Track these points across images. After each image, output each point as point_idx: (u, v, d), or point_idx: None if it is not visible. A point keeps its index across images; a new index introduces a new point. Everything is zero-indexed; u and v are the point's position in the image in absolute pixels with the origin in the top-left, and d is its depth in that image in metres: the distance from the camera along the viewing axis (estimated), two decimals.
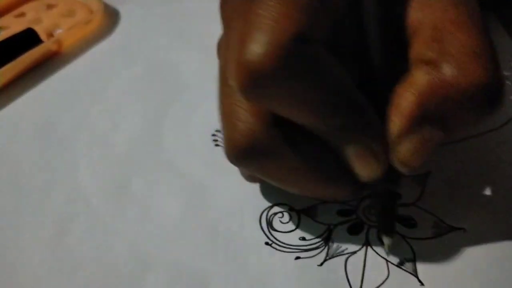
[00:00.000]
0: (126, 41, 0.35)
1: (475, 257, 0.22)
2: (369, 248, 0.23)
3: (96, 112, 0.30)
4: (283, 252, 0.23)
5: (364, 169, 0.20)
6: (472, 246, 0.23)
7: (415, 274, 0.22)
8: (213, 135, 0.28)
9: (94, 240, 0.24)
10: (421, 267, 0.22)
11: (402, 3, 0.20)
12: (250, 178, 0.25)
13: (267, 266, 0.23)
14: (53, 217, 0.25)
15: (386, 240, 0.22)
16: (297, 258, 0.23)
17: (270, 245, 0.23)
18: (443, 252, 0.23)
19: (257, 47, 0.17)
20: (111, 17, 0.37)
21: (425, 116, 0.19)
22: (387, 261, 0.23)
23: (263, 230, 0.24)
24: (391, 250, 0.22)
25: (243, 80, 0.17)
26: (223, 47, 0.23)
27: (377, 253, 0.23)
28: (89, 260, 0.23)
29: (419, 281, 0.22)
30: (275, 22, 0.17)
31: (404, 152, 0.19)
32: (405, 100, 0.19)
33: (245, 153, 0.20)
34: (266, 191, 0.25)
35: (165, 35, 0.36)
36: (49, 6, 0.37)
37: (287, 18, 0.17)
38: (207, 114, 0.30)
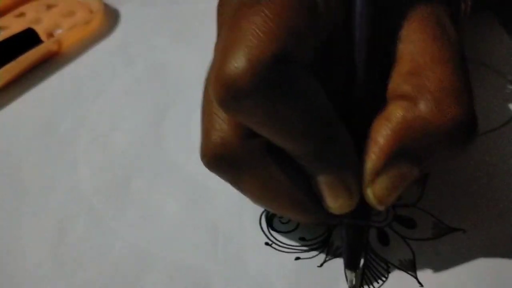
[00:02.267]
0: (126, 41, 0.35)
1: (475, 258, 0.22)
2: (369, 247, 0.23)
3: (96, 112, 0.30)
4: (283, 253, 0.23)
5: (334, 201, 0.19)
6: (471, 247, 0.23)
7: (414, 275, 0.22)
8: None
9: (94, 240, 0.24)
10: (420, 268, 0.22)
11: (389, 35, 0.20)
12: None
13: (267, 267, 0.23)
14: (53, 217, 0.25)
15: (348, 275, 0.22)
16: (297, 258, 0.23)
17: (270, 245, 0.23)
18: (442, 253, 0.23)
19: (237, 62, 0.17)
20: (111, 17, 0.37)
21: (402, 152, 0.19)
22: (386, 261, 0.23)
23: (263, 230, 0.24)
24: (353, 286, 0.22)
25: (220, 92, 0.17)
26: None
27: (377, 253, 0.23)
28: (89, 260, 0.23)
29: (419, 282, 0.22)
30: (258, 39, 0.17)
31: (380, 188, 0.19)
32: (381, 136, 0.19)
33: (215, 162, 0.20)
34: None
35: (165, 35, 0.36)
36: (49, 6, 0.37)
37: (271, 36, 0.17)
38: None
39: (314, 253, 0.23)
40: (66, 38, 0.34)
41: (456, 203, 0.24)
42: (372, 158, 0.19)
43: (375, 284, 0.22)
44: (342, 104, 0.19)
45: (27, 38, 0.33)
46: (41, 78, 0.32)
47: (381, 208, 0.20)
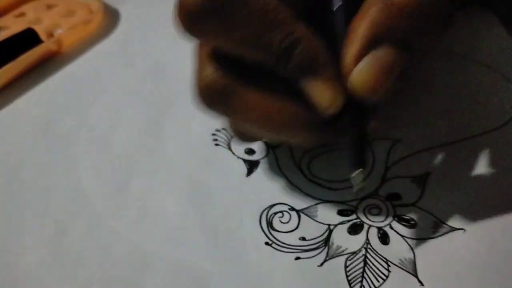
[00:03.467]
0: (126, 41, 0.35)
1: (475, 258, 0.22)
2: (369, 248, 0.23)
3: (96, 112, 0.30)
4: (283, 252, 0.23)
5: (321, 98, 0.20)
6: (471, 246, 0.23)
7: (415, 274, 0.22)
8: (213, 134, 0.28)
9: (94, 240, 0.24)
10: (421, 267, 0.22)
11: None
12: (241, 136, 0.25)
13: (267, 266, 0.23)
14: (53, 217, 0.25)
15: (356, 176, 0.21)
16: (297, 258, 0.23)
17: (270, 245, 0.23)
18: (443, 253, 0.23)
19: None
20: (111, 17, 0.37)
21: (380, 38, 0.19)
22: (387, 261, 0.23)
23: (263, 230, 0.24)
24: (360, 188, 0.21)
25: (182, 19, 0.20)
26: None
27: (377, 253, 0.23)
28: (89, 260, 0.23)
29: (419, 281, 0.22)
30: None
31: (363, 72, 0.19)
32: (360, 27, 0.19)
33: (208, 101, 0.22)
34: (267, 191, 0.25)
35: (165, 35, 0.36)
36: (49, 6, 0.37)
37: None
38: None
39: (314, 252, 0.23)
40: (66, 38, 0.34)
41: (456, 203, 0.24)
42: (351, 45, 0.20)
43: (376, 283, 0.22)
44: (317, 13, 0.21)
45: (27, 38, 0.33)
46: (41, 78, 0.32)
47: (372, 96, 0.20)
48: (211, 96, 0.22)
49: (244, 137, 0.25)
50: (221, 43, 0.21)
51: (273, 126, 0.22)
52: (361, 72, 0.19)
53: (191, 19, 0.20)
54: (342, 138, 0.22)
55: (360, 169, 0.21)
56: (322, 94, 0.20)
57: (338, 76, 0.20)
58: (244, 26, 0.20)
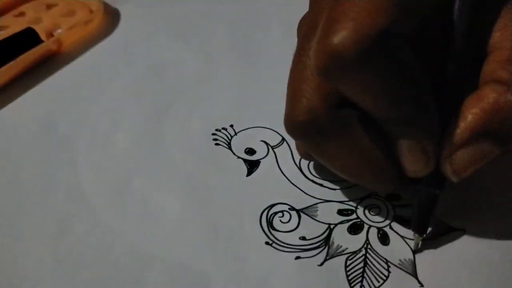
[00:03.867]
0: (126, 41, 0.35)
1: (475, 258, 0.22)
2: (369, 248, 0.23)
3: (96, 112, 0.30)
4: (283, 252, 0.23)
5: (412, 163, 0.21)
6: (471, 247, 0.23)
7: (414, 274, 0.22)
8: (213, 134, 0.28)
9: (94, 240, 0.24)
10: (420, 268, 0.22)
11: (487, 20, 0.21)
12: (305, 156, 0.25)
13: (267, 266, 0.23)
14: (53, 217, 0.25)
15: (415, 239, 0.23)
16: (297, 258, 0.23)
17: (270, 244, 0.23)
18: (443, 253, 0.23)
19: (345, 32, 0.18)
20: (111, 17, 0.37)
21: (487, 132, 0.19)
22: (387, 261, 0.23)
23: (263, 230, 0.24)
24: (418, 249, 0.23)
25: (324, 60, 0.18)
26: (304, 25, 0.24)
27: (377, 253, 0.23)
28: (89, 260, 0.23)
29: (419, 282, 0.22)
30: (367, 12, 0.18)
31: (459, 161, 0.20)
32: (471, 113, 0.20)
33: (303, 128, 0.21)
34: (267, 191, 0.25)
35: (165, 35, 0.36)
36: (49, 6, 0.37)
37: (379, 10, 0.18)
38: (207, 114, 0.30)
39: (314, 252, 0.23)
40: (66, 38, 0.34)
41: (456, 203, 0.24)
42: (457, 132, 0.20)
43: (376, 283, 0.22)
44: (435, 79, 0.20)
45: (27, 38, 0.33)
46: (41, 78, 0.32)
47: (455, 179, 0.21)
48: (307, 131, 0.21)
49: (309, 157, 0.26)
50: (352, 95, 0.20)
51: (353, 176, 0.23)
52: (458, 163, 0.20)
53: (336, 64, 0.18)
54: (413, 196, 0.23)
55: (421, 236, 0.23)
56: (415, 163, 0.21)
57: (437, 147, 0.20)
58: (391, 87, 0.19)
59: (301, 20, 0.25)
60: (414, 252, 0.23)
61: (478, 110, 0.19)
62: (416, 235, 0.23)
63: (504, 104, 0.19)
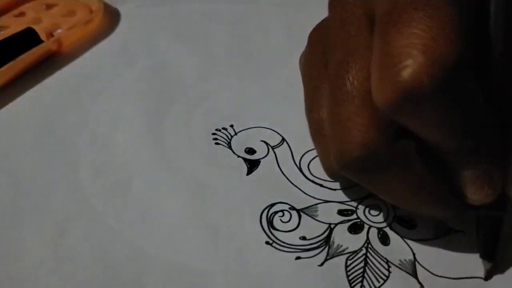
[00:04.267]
0: (126, 41, 0.35)
1: (475, 259, 0.22)
2: (369, 248, 0.23)
3: (96, 112, 0.30)
4: (283, 252, 0.23)
5: (477, 194, 0.20)
6: (471, 248, 0.23)
7: (415, 275, 0.22)
8: (213, 133, 0.28)
9: (94, 240, 0.24)
10: (421, 269, 0.22)
11: None
12: (334, 176, 0.25)
13: (267, 266, 0.23)
14: (53, 217, 0.25)
15: (485, 265, 0.22)
16: (298, 258, 0.23)
17: (271, 244, 0.23)
18: (442, 254, 0.23)
19: (416, 66, 0.17)
20: (111, 17, 0.37)
21: None
22: (387, 261, 0.23)
23: (263, 229, 0.24)
24: (489, 277, 0.22)
25: (395, 97, 0.17)
26: (329, 40, 0.23)
27: (378, 253, 0.23)
28: (89, 260, 0.23)
29: (419, 282, 0.22)
30: (435, 42, 0.17)
31: None
32: None
33: (358, 163, 0.20)
34: (267, 190, 0.25)
35: (165, 35, 0.36)
36: (49, 6, 0.37)
37: (449, 39, 0.17)
38: (207, 114, 0.30)
39: (315, 252, 0.23)
40: (66, 38, 0.34)
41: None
42: None
43: (376, 284, 0.22)
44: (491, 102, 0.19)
45: (27, 38, 0.33)
46: (41, 78, 0.32)
47: None
48: (363, 167, 0.20)
49: (335, 176, 0.25)
50: (418, 129, 0.19)
51: (411, 206, 0.22)
52: None
53: (407, 98, 0.17)
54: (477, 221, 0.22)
55: (491, 263, 0.22)
56: (481, 192, 0.20)
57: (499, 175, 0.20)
58: (460, 120, 0.18)
59: (318, 28, 0.24)
60: (485, 279, 0.22)
61: None
62: (486, 262, 0.22)
63: None
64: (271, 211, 0.25)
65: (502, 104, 0.20)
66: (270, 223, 0.24)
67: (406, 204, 0.22)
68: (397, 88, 0.17)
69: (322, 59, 0.23)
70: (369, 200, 0.25)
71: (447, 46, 0.17)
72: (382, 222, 0.24)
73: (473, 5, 0.19)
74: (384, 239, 0.23)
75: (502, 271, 0.22)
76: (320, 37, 0.24)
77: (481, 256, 0.22)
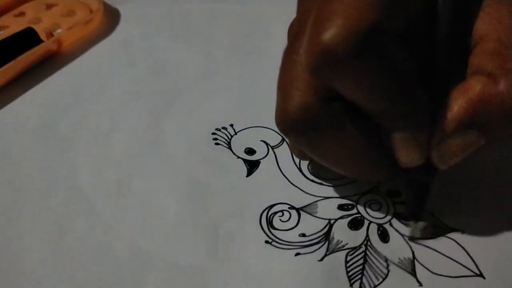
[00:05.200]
0: (126, 41, 0.35)
1: (473, 259, 0.22)
2: (369, 243, 0.23)
3: (96, 112, 0.30)
4: (283, 249, 0.23)
5: (406, 155, 0.21)
6: (470, 247, 0.23)
7: (413, 273, 0.22)
8: (213, 133, 0.28)
9: (94, 240, 0.24)
10: (419, 267, 0.22)
11: (472, 12, 0.21)
12: (300, 155, 0.26)
13: (267, 264, 0.23)
14: (53, 217, 0.25)
15: (410, 226, 0.23)
16: (297, 254, 0.23)
17: (270, 243, 0.23)
18: (441, 253, 0.23)
19: (335, 30, 0.18)
20: (111, 17, 0.37)
21: (473, 122, 0.20)
22: (386, 259, 0.23)
23: (263, 229, 0.24)
24: (413, 237, 0.23)
25: (315, 58, 0.19)
26: (294, 25, 0.24)
27: (377, 251, 0.23)
28: (89, 260, 0.23)
29: (418, 281, 0.22)
30: (355, 9, 0.18)
31: (446, 150, 0.20)
32: (457, 105, 0.20)
33: (296, 125, 0.21)
34: (267, 191, 0.25)
35: (165, 35, 0.36)
36: (49, 6, 0.37)
37: (368, 7, 0.18)
38: (207, 113, 0.30)
39: (314, 247, 0.23)
40: (66, 37, 0.34)
41: (455, 203, 0.24)
42: (444, 122, 0.20)
43: (375, 281, 0.22)
44: (423, 72, 0.20)
45: (27, 38, 0.33)
46: (41, 78, 0.32)
47: (442, 167, 0.21)
48: (301, 128, 0.21)
49: (304, 157, 0.26)
50: (343, 91, 0.20)
51: (347, 169, 0.23)
52: (445, 152, 0.21)
53: (327, 61, 0.19)
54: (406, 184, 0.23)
55: (416, 222, 0.23)
56: (409, 154, 0.21)
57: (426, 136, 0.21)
58: (382, 82, 0.19)
59: (292, 22, 0.25)
60: (410, 240, 0.23)
61: (464, 101, 0.20)
62: (412, 222, 0.23)
63: (489, 96, 0.19)
64: (271, 211, 0.25)
65: (441, 78, 0.21)
66: (270, 223, 0.24)
67: (341, 166, 0.23)
68: (318, 50, 0.18)
69: None
70: (369, 195, 0.25)
71: (365, 13, 0.18)
72: (382, 217, 0.24)
73: None
74: (384, 236, 0.23)
75: (501, 270, 0.22)
76: (290, 29, 0.25)
77: (407, 217, 0.24)
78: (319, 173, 0.26)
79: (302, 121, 0.21)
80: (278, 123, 0.22)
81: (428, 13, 0.20)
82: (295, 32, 0.22)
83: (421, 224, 0.23)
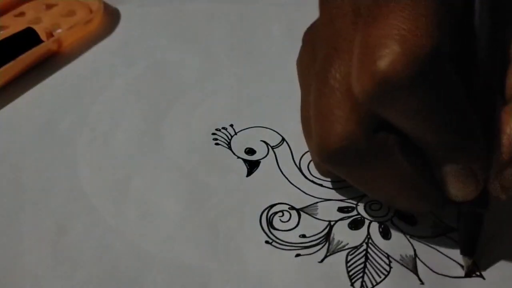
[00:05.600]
0: (126, 41, 0.35)
1: (473, 259, 0.22)
2: (370, 243, 0.23)
3: (96, 112, 0.30)
4: (283, 250, 0.23)
5: (460, 189, 0.20)
6: None
7: (415, 271, 0.22)
8: (213, 133, 0.28)
9: (94, 240, 0.24)
10: (421, 265, 0.22)
11: (507, 28, 0.20)
12: (326, 174, 0.25)
13: (267, 265, 0.23)
14: (53, 217, 0.25)
15: (465, 261, 0.22)
16: (297, 255, 0.23)
17: (270, 243, 0.23)
18: (442, 252, 0.23)
19: (392, 57, 0.17)
20: (111, 17, 0.37)
21: None
22: (388, 256, 0.23)
23: (263, 229, 0.24)
24: (470, 272, 0.22)
25: (372, 87, 0.18)
26: (318, 39, 0.23)
27: (378, 248, 0.23)
28: (89, 259, 0.23)
29: (419, 279, 0.22)
30: (412, 34, 0.17)
31: (508, 179, 0.19)
32: (510, 127, 0.19)
33: (338, 155, 0.20)
34: (267, 191, 0.25)
35: (165, 35, 0.36)
36: (49, 6, 0.37)
37: (425, 31, 0.17)
38: (207, 113, 0.30)
39: (315, 249, 0.23)
40: (66, 37, 0.34)
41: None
42: (503, 150, 0.19)
43: (377, 278, 0.22)
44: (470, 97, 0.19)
45: (27, 38, 0.33)
46: (41, 78, 0.32)
47: (504, 197, 0.20)
48: (344, 158, 0.20)
49: (327, 174, 0.25)
50: (398, 121, 0.19)
51: (393, 201, 0.22)
52: (507, 181, 0.19)
53: (385, 89, 0.17)
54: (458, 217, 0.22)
55: (471, 259, 0.22)
56: (464, 188, 0.20)
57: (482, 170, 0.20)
58: (440, 112, 0.18)
59: (310, 28, 0.25)
60: (466, 275, 0.22)
61: None
62: (466, 258, 0.22)
63: None
64: (271, 211, 0.25)
65: (486, 101, 0.20)
66: (270, 223, 0.24)
67: (386, 198, 0.22)
68: (373, 77, 0.17)
69: (313, 58, 0.23)
70: (369, 197, 0.25)
71: (423, 38, 0.17)
72: (383, 217, 0.24)
73: (457, 1, 0.19)
74: (386, 233, 0.23)
75: (500, 270, 0.22)
76: (311, 37, 0.24)
77: (462, 253, 0.22)
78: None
79: (345, 152, 0.20)
80: (320, 153, 0.20)
81: (464, 33, 0.19)
82: (327, 55, 0.21)
83: (475, 260, 0.22)
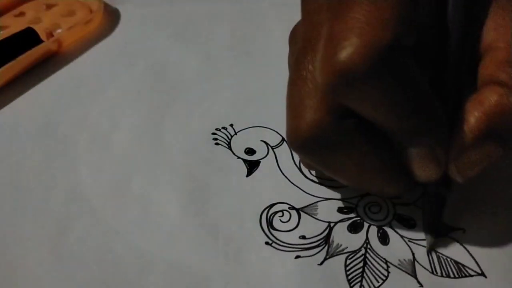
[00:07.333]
0: (126, 41, 0.35)
1: (475, 258, 0.22)
2: (368, 248, 0.23)
3: (96, 112, 0.30)
4: (283, 252, 0.23)
5: (424, 171, 0.21)
6: (471, 246, 0.23)
7: (414, 275, 0.22)
8: (213, 133, 0.28)
9: (94, 240, 0.24)
10: (420, 268, 0.22)
11: (479, 22, 0.21)
12: (309, 166, 0.25)
13: (267, 266, 0.23)
14: (53, 217, 0.25)
15: (428, 239, 0.23)
16: (297, 257, 0.23)
17: (270, 244, 0.23)
18: (442, 253, 0.23)
19: (352, 49, 0.18)
20: (111, 17, 0.37)
21: (490, 134, 0.20)
22: (386, 261, 0.23)
23: (263, 230, 0.24)
24: (432, 249, 0.23)
25: (333, 77, 0.18)
26: (297, 36, 0.24)
27: (377, 253, 0.23)
28: (89, 260, 0.23)
29: (418, 282, 0.22)
30: (371, 27, 0.18)
31: (465, 163, 0.20)
32: (473, 117, 0.20)
33: (308, 143, 0.21)
34: (267, 191, 0.25)
35: (165, 35, 0.36)
36: (49, 6, 0.37)
37: (384, 24, 0.18)
38: (207, 113, 0.30)
39: (314, 251, 0.23)
40: (66, 37, 0.34)
41: (455, 203, 0.24)
42: (461, 136, 0.20)
43: (376, 283, 0.22)
44: (435, 86, 0.20)
45: (27, 38, 0.33)
46: (41, 78, 0.32)
47: (460, 180, 0.21)
48: (314, 146, 0.21)
49: (311, 167, 0.26)
50: (360, 110, 0.19)
51: (361, 185, 0.23)
52: (463, 166, 0.21)
53: (345, 80, 0.18)
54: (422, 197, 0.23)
55: (433, 237, 0.23)
56: (427, 170, 0.21)
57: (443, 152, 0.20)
58: (400, 100, 0.19)
59: (293, 29, 0.25)
60: (428, 252, 0.23)
61: (481, 113, 0.20)
62: (428, 235, 0.23)
63: (506, 106, 0.19)
64: (271, 211, 0.25)
65: (454, 91, 0.21)
66: (270, 223, 0.24)
67: (356, 182, 0.23)
68: (334, 68, 0.18)
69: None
70: (369, 197, 0.25)
71: (381, 30, 0.18)
72: (382, 220, 0.24)
73: None
74: (384, 238, 0.23)
75: (503, 269, 0.22)
76: (294, 35, 0.25)
77: (425, 230, 0.23)
78: (320, 173, 0.26)
79: (315, 139, 0.20)
80: (291, 142, 0.21)
81: (436, 26, 0.20)
82: (302, 47, 0.22)
83: (438, 239, 0.23)
